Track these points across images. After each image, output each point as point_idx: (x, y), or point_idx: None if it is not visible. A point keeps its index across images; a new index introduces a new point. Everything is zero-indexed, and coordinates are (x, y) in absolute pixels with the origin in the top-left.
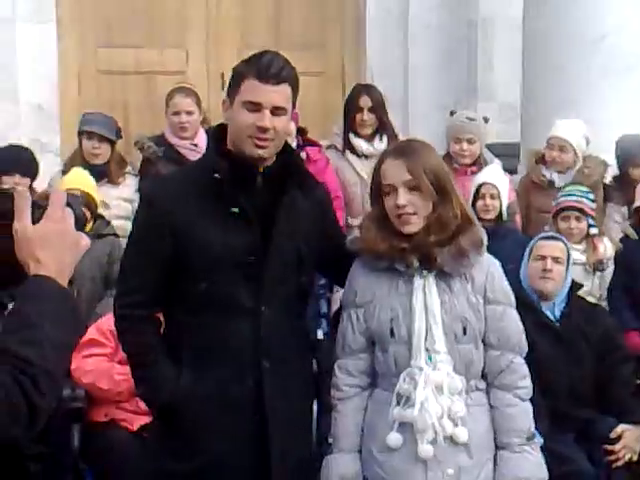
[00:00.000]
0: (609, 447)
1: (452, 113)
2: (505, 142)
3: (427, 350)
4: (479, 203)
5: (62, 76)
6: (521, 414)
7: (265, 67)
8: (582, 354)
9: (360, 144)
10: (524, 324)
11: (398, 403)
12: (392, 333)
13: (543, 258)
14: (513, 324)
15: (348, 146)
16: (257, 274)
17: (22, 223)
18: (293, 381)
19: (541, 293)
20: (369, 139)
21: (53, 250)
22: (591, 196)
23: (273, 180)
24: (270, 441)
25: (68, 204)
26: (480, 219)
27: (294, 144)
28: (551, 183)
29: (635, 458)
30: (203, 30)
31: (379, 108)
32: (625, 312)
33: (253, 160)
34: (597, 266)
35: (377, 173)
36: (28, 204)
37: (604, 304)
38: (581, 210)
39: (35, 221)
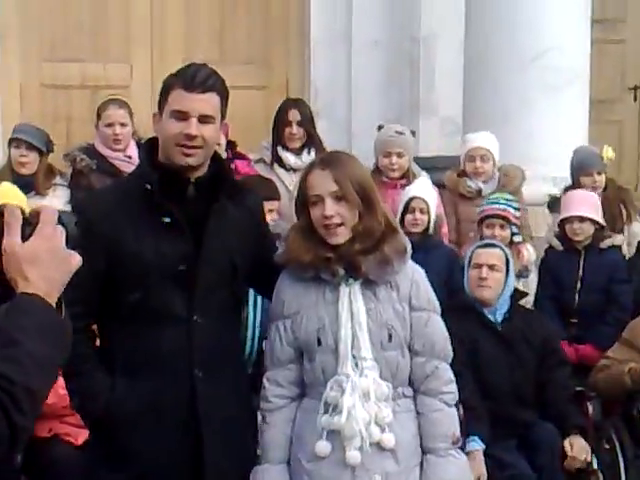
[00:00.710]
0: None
1: (380, 127)
2: (447, 155)
3: (354, 357)
4: (408, 217)
5: (4, 90)
6: (447, 419)
7: (191, 77)
8: (524, 356)
9: (288, 158)
10: (467, 326)
11: (326, 411)
12: (319, 342)
13: (479, 266)
14: (438, 331)
15: (276, 159)
16: (190, 283)
17: (11, 240)
18: (228, 390)
19: (480, 300)
20: (297, 153)
21: (42, 268)
22: (515, 204)
23: (205, 190)
24: (204, 450)
25: (60, 222)
26: (407, 232)
27: (224, 157)
28: (478, 192)
29: (584, 466)
30: (148, 45)
31: (307, 122)
32: (553, 322)
33: (183, 170)
34: (521, 272)
35: (303, 184)
36: (18, 221)
37: None
38: (505, 218)
39: (25, 238)
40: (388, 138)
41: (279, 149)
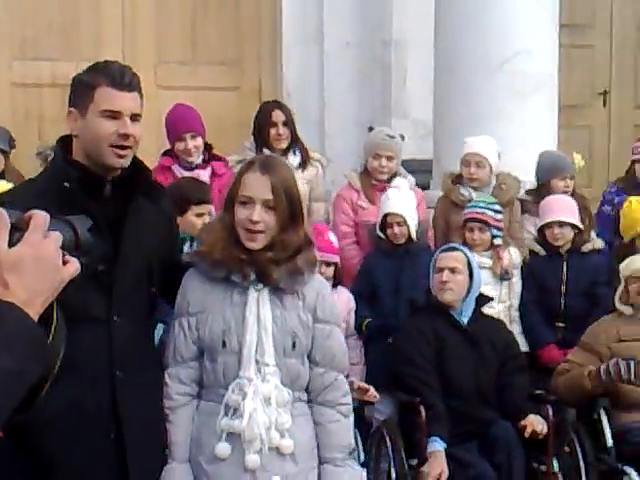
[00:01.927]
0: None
1: (371, 129)
2: (418, 159)
3: (257, 362)
4: (389, 231)
5: None
6: (343, 430)
7: (119, 75)
8: (488, 357)
9: (285, 161)
10: (435, 326)
11: (226, 414)
12: (224, 343)
13: (441, 270)
14: (338, 343)
15: None
16: (108, 283)
17: None
18: (149, 391)
19: (443, 303)
20: (283, 154)
21: (24, 276)
22: (496, 207)
23: (121, 189)
24: (127, 452)
25: (56, 229)
26: (393, 245)
27: (200, 159)
28: (470, 201)
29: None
30: (119, 44)
31: (291, 123)
32: (540, 327)
33: (107, 169)
34: (503, 275)
35: (237, 181)
36: (6, 226)
37: (514, 312)
38: (484, 221)
39: (12, 244)
40: (379, 141)
41: (265, 151)
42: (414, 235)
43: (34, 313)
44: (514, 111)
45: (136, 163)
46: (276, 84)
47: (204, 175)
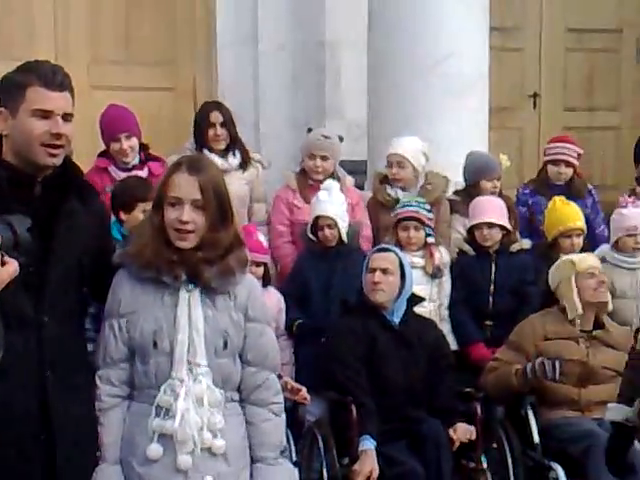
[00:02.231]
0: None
1: (309, 130)
2: (353, 159)
3: (188, 363)
4: (320, 234)
5: None
6: (275, 429)
7: (51, 74)
8: (418, 356)
9: (214, 159)
10: (368, 325)
11: (158, 415)
12: (155, 344)
13: (373, 271)
14: (270, 342)
15: None
16: (38, 284)
17: None
18: (81, 393)
19: (375, 303)
20: (223, 154)
21: None
22: (427, 207)
23: (52, 189)
24: (57, 453)
25: (12, 228)
26: (324, 247)
27: (136, 159)
28: (396, 201)
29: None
30: (52, 44)
31: (230, 124)
32: (469, 325)
33: (38, 169)
34: (435, 273)
35: (165, 182)
36: None
37: (444, 311)
38: (419, 220)
39: None
40: (314, 141)
41: (205, 151)
42: (345, 237)
43: None
44: (446, 112)
45: (67, 163)
46: (211, 85)
47: (141, 176)
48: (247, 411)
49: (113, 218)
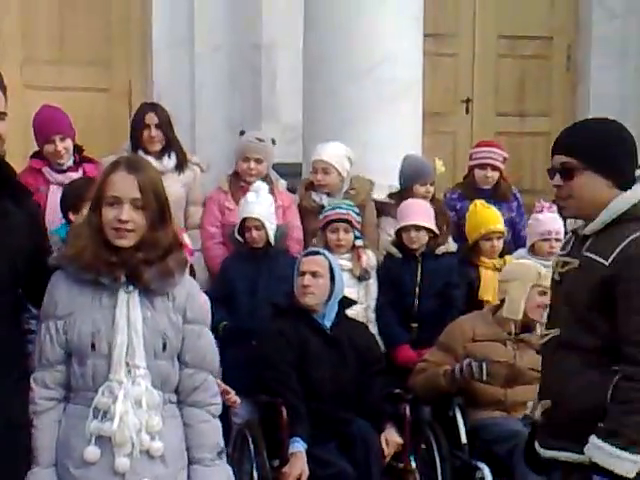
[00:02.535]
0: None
1: (242, 133)
2: (288, 162)
3: (127, 365)
4: (247, 235)
5: None
6: (213, 430)
7: None
8: (349, 360)
9: (149, 161)
10: (298, 328)
11: (95, 417)
12: (93, 346)
13: (303, 274)
14: (208, 344)
15: None
16: None
17: None
18: (14, 395)
19: (306, 306)
20: (158, 156)
21: None
22: (356, 210)
23: None
24: None
25: None
26: (252, 248)
27: (71, 161)
28: (322, 207)
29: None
30: None
31: (166, 125)
32: (395, 327)
33: None
34: (362, 276)
35: (103, 182)
36: None
37: (371, 313)
38: (349, 222)
39: None
40: (248, 144)
41: (140, 153)
42: (272, 239)
43: None
44: (380, 117)
45: (0, 163)
46: (146, 86)
47: (75, 177)
48: (185, 413)
49: (63, 220)
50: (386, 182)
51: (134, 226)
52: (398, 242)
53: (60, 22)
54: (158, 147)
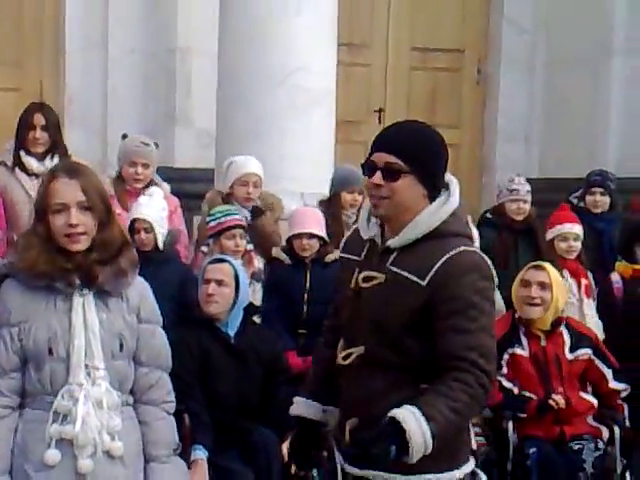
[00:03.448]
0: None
1: (124, 136)
2: (201, 167)
3: (86, 367)
4: (136, 237)
5: None
6: (168, 427)
7: None
8: (253, 369)
9: (31, 162)
10: (200, 339)
11: (55, 421)
12: (50, 351)
13: (208, 282)
14: (162, 343)
15: (18, 164)
16: None
17: None
18: None
19: (209, 315)
20: (40, 158)
21: None
22: (246, 213)
23: None
24: None
25: None
26: (138, 251)
27: None
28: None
29: None
30: None
31: (53, 127)
32: (283, 334)
33: None
34: (255, 278)
35: (45, 191)
36: None
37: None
38: (243, 228)
39: None
40: (135, 148)
41: (21, 153)
42: (161, 244)
43: None
44: (294, 125)
45: None
46: (58, 88)
47: None
48: (140, 411)
49: None
50: (298, 190)
51: (85, 229)
52: (288, 248)
53: None
54: (41, 149)
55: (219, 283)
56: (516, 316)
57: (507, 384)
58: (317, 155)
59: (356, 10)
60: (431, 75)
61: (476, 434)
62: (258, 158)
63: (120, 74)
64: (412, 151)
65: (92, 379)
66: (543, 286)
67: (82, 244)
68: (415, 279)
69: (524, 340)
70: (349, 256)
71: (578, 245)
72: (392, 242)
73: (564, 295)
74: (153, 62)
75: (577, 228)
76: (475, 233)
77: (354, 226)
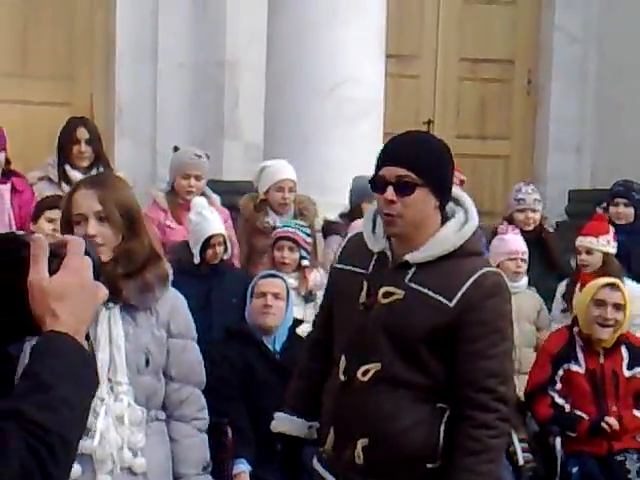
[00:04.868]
0: None
1: (176, 149)
2: (249, 180)
3: (109, 381)
4: (209, 252)
5: None
6: (199, 445)
7: None
8: None
9: (76, 176)
10: (246, 353)
11: None
12: None
13: (264, 295)
14: (194, 358)
15: (64, 178)
16: None
17: (38, 274)
18: None
19: (263, 327)
20: (85, 171)
21: (71, 304)
22: (307, 230)
23: None
24: None
25: (86, 252)
26: (202, 265)
27: None
28: (274, 228)
29: None
30: None
31: (96, 141)
32: None
33: None
34: (307, 297)
35: (68, 203)
36: (45, 253)
37: None
38: (295, 241)
39: (52, 272)
40: (188, 161)
41: (67, 167)
42: (227, 255)
43: (82, 340)
44: (341, 136)
45: None
46: (108, 101)
47: (5, 190)
48: (171, 427)
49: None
50: (345, 201)
51: (103, 240)
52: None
53: (23, 36)
54: (86, 162)
55: (275, 296)
56: (575, 331)
57: (559, 400)
58: (364, 167)
59: (406, 21)
60: (481, 86)
61: (523, 449)
62: (305, 169)
63: (169, 87)
64: (422, 162)
65: (115, 394)
66: (618, 307)
67: (103, 255)
68: (440, 299)
69: (581, 356)
70: (351, 268)
71: (591, 259)
72: (412, 257)
73: (632, 313)
74: (202, 74)
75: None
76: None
77: (349, 235)
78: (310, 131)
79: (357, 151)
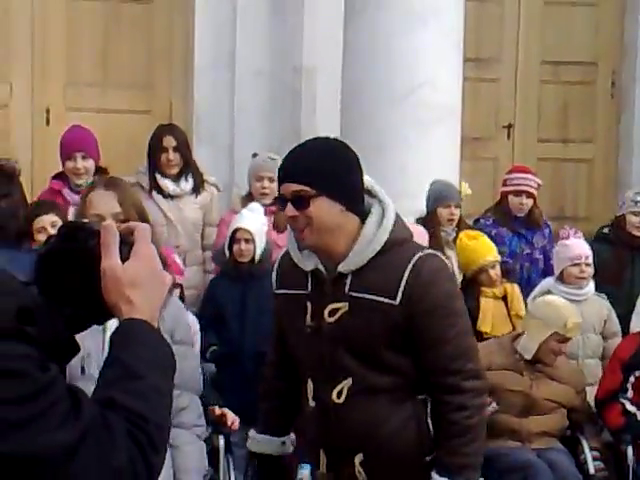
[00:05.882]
0: None
1: (255, 155)
2: None
3: None
4: (235, 247)
5: None
6: (198, 452)
7: None
8: None
9: (167, 184)
10: None
11: None
12: (82, 370)
13: None
14: (194, 365)
15: (154, 186)
16: None
17: (111, 262)
18: None
19: None
20: (175, 179)
21: (144, 291)
22: None
23: None
24: None
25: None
26: (236, 262)
27: (89, 182)
28: None
29: None
30: (28, 63)
31: (183, 148)
32: None
33: None
34: None
35: (84, 203)
36: (116, 240)
37: None
38: None
39: (123, 259)
40: (261, 163)
41: (157, 176)
42: (257, 256)
43: (156, 326)
44: (417, 141)
45: None
46: (187, 108)
47: None
48: (171, 434)
49: None
50: (423, 207)
51: None
52: None
53: (103, 44)
54: (176, 170)
55: None
56: None
57: (631, 408)
58: (441, 172)
59: (485, 24)
60: (563, 89)
61: (594, 458)
62: (380, 174)
63: (246, 93)
64: (314, 173)
65: None
66: None
67: None
68: (384, 300)
69: None
70: (292, 291)
71: None
72: (344, 267)
73: None
74: (279, 80)
75: None
76: (417, 228)
77: (278, 257)
78: (386, 137)
79: (433, 156)
